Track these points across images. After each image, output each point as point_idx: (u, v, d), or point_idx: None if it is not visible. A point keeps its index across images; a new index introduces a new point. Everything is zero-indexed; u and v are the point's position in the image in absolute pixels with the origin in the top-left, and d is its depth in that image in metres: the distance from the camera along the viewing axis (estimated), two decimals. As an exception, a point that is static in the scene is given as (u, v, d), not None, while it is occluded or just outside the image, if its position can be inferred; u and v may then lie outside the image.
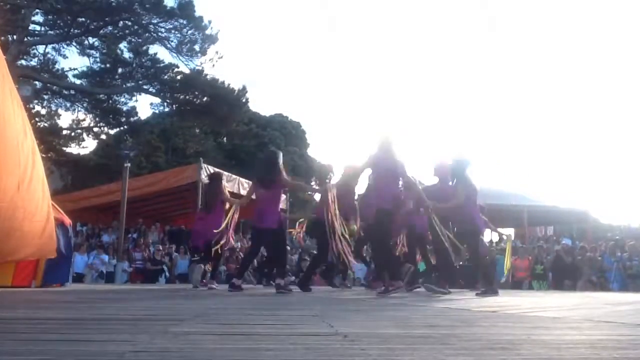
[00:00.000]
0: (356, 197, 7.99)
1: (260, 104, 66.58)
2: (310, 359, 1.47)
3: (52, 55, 20.47)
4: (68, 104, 21.71)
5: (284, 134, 36.18)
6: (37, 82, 19.91)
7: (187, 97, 21.04)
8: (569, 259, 11.61)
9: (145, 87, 21.22)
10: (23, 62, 19.19)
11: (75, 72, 21.01)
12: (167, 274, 13.04)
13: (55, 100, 21.73)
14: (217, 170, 10.08)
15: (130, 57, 20.99)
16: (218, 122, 22.35)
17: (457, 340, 1.97)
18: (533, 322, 3.02)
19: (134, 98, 22.18)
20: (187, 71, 20.83)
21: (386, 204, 5.70)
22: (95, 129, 23.52)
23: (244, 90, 21.85)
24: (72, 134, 23.24)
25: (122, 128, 23.56)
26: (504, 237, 10.00)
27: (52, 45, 19.99)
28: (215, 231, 7.37)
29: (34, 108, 20.76)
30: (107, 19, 18.95)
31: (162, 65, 20.82)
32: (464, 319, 3.00)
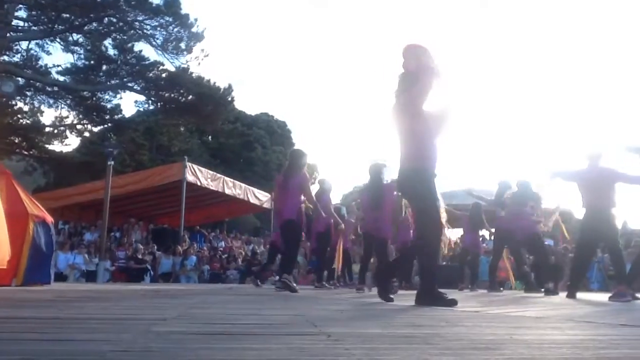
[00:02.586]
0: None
1: (246, 103, 66.41)
2: (293, 358, 1.47)
3: (36, 51, 20.26)
4: (51, 101, 21.47)
5: (269, 133, 36.12)
6: (19, 79, 19.64)
7: (173, 95, 20.93)
8: (552, 259, 11.77)
9: (130, 84, 21.07)
10: (5, 58, 18.94)
11: (59, 68, 20.83)
12: (151, 272, 12.96)
13: (38, 97, 21.47)
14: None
15: (115, 54, 20.82)
16: (203, 120, 22.27)
17: (441, 340, 1.97)
18: (515, 321, 3.04)
19: (118, 95, 22.02)
20: (172, 69, 20.75)
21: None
22: (79, 127, 23.28)
23: (229, 88, 21.79)
24: (55, 131, 22.98)
25: (106, 126, 23.37)
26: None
27: (35, 41, 19.76)
28: None
29: (16, 105, 20.52)
30: (92, 15, 18.78)
31: (147, 62, 20.68)
32: (447, 318, 3.01)
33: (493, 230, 9.58)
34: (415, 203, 4.43)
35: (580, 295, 6.47)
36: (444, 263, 13.14)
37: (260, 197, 17.80)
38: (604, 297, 6.80)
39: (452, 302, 3.98)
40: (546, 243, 14.57)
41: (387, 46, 67.84)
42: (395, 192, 7.79)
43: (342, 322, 2.75)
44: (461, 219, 10.33)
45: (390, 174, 7.97)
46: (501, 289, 9.71)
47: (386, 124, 4.47)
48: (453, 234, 16.16)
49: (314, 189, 8.44)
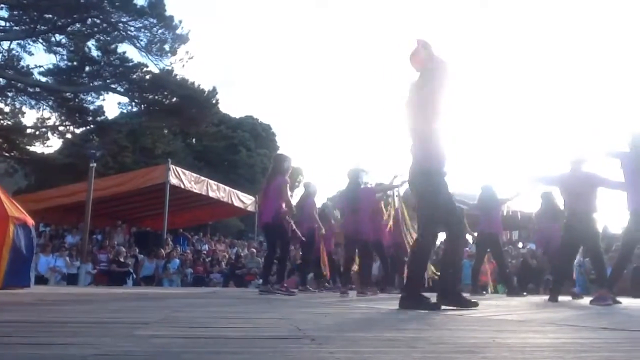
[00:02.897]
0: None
1: (231, 106, 66.31)
2: (277, 362, 1.46)
3: (17, 51, 19.99)
4: (33, 102, 21.20)
5: (254, 136, 36.05)
6: (0, 79, 19.43)
7: (156, 97, 20.79)
8: (533, 263, 11.90)
9: (113, 86, 20.89)
10: (-14, 58, 18.74)
11: (41, 69, 20.55)
12: (134, 276, 12.85)
13: (20, 98, 21.19)
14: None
15: (98, 56, 20.63)
16: (187, 123, 22.15)
17: (425, 344, 1.98)
18: (498, 325, 3.06)
19: (101, 97, 21.80)
20: (156, 71, 20.61)
21: None
22: (61, 128, 23.02)
23: (214, 91, 21.71)
24: (37, 132, 22.70)
25: (88, 127, 23.14)
26: None
27: (17, 41, 19.52)
28: None
29: (-3, 106, 20.30)
30: (75, 16, 18.61)
31: (130, 64, 20.53)
32: (431, 322, 3.02)
33: (475, 234, 9.66)
34: (421, 206, 4.43)
35: (561, 298, 6.54)
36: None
37: (245, 200, 17.75)
38: (585, 300, 6.88)
39: (436, 306, 4.00)
40: (529, 247, 14.74)
41: (375, 49, 68.14)
42: (376, 195, 7.85)
43: (325, 325, 2.74)
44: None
45: (370, 179, 8.05)
46: (484, 292, 9.78)
47: (397, 120, 4.51)
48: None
49: (299, 192, 8.48)
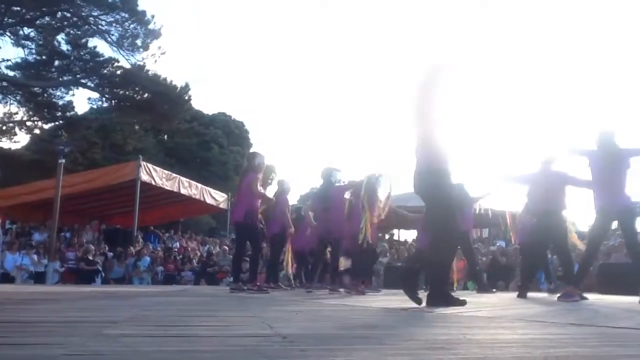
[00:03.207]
0: None
1: (203, 102, 65.77)
2: (248, 360, 1.45)
3: (-16, 45, 19.58)
4: (0, 96, 20.77)
5: (226, 133, 35.82)
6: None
7: (127, 92, 20.55)
8: (503, 260, 12.08)
9: (83, 81, 20.57)
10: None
11: (9, 63, 20.15)
12: (102, 274, 12.65)
13: (-14, 92, 20.76)
14: None
15: (68, 50, 20.29)
16: (159, 119, 21.94)
17: (396, 340, 1.99)
18: (468, 321, 3.09)
19: (70, 92, 21.47)
20: (127, 66, 20.37)
21: None
22: (29, 123, 22.59)
23: (186, 87, 21.54)
24: (4, 127, 22.24)
25: (57, 123, 22.77)
26: None
27: (-17, 34, 19.09)
28: None
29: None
30: (44, 9, 18.26)
31: (101, 59, 20.24)
32: (402, 319, 3.04)
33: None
34: (429, 207, 4.49)
35: (529, 295, 6.63)
36: (399, 264, 13.28)
37: (217, 197, 17.62)
38: (553, 297, 7.00)
39: (463, 302, 4.11)
40: (498, 244, 14.95)
41: (352, 46, 68.20)
42: (347, 194, 7.86)
43: (297, 323, 2.74)
44: (416, 221, 10.45)
45: (342, 177, 8.08)
46: (454, 289, 9.88)
47: (401, 122, 4.60)
48: (408, 236, 16.47)
49: (273, 189, 8.48)
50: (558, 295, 6.18)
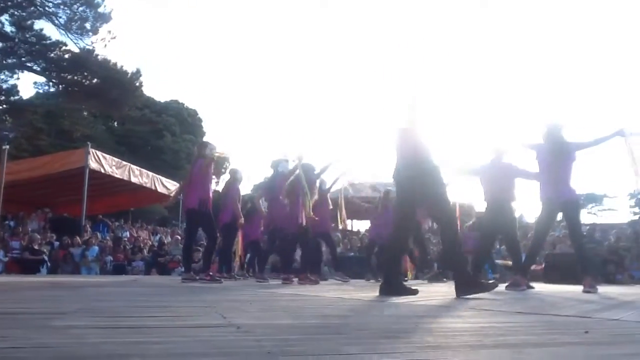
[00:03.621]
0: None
1: (156, 89, 64.48)
2: (202, 351, 1.42)
3: None
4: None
5: (179, 120, 35.28)
6: None
7: (76, 77, 19.91)
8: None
9: (28, 64, 19.83)
10: None
11: (-53, 43, 19.25)
12: (48, 264, 12.27)
13: None
14: None
15: (12, 32, 19.47)
16: (109, 105, 21.36)
17: (351, 330, 1.99)
18: (421, 310, 3.14)
19: (15, 76, 20.65)
20: (76, 50, 19.73)
21: None
22: (-30, 108, 21.68)
23: (137, 73, 21.03)
24: (-58, 111, 21.28)
25: (1, 107, 21.88)
26: None
27: None
28: None
29: None
30: (-15, -12, 17.50)
31: (48, 42, 19.52)
32: (356, 308, 3.06)
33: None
34: (432, 199, 4.52)
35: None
36: (352, 254, 13.40)
37: (169, 186, 17.30)
38: (501, 286, 7.18)
39: (415, 292, 4.29)
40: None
41: (310, 34, 67.94)
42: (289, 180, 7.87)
43: (251, 313, 2.72)
44: (368, 211, 10.54)
45: (290, 166, 8.13)
46: (406, 278, 10.02)
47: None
48: (360, 226, 16.62)
49: (225, 179, 8.47)
50: (506, 284, 6.35)
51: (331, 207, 9.19)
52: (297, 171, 7.55)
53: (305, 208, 7.36)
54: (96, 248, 13.21)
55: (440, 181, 4.45)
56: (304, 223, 7.37)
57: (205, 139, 35.15)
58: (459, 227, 5.45)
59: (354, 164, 8.50)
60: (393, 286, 4.24)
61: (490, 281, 4.48)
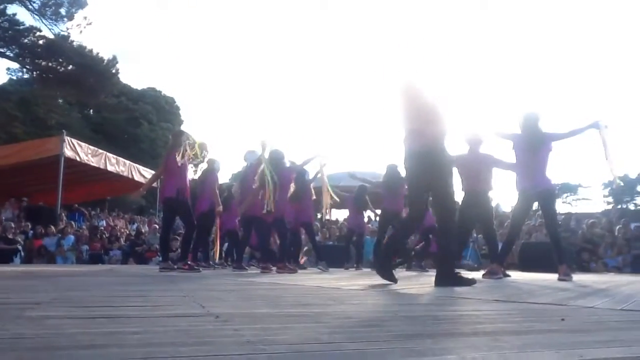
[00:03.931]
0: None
1: (132, 77, 63.74)
2: (181, 341, 1.41)
3: None
4: None
5: (156, 108, 34.90)
6: None
7: (50, 64, 19.55)
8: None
9: (1, 50, 19.40)
10: None
11: None
12: (22, 253, 12.10)
13: None
14: None
15: (-17, 17, 19.05)
16: (84, 93, 21.03)
17: (330, 319, 1.99)
18: (399, 299, 3.16)
19: (-13, 62, 20.22)
20: (51, 36, 19.38)
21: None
22: (-60, 94, 21.18)
23: (114, 60, 20.72)
24: None
25: (-28, 94, 21.45)
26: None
27: None
28: None
29: None
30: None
31: (22, 27, 19.13)
32: (335, 297, 3.06)
33: (378, 211, 9.95)
34: (435, 184, 4.53)
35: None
36: (331, 243, 13.44)
37: (146, 174, 17.09)
38: (477, 274, 7.27)
39: (472, 282, 4.25)
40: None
41: (285, 22, 67.51)
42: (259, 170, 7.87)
43: (230, 302, 2.71)
44: (347, 201, 10.58)
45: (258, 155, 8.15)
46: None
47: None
48: (339, 215, 16.66)
49: (203, 167, 8.49)
50: (483, 272, 6.42)
51: (314, 197, 9.20)
52: (262, 160, 7.60)
53: (267, 195, 7.35)
54: (72, 237, 13.06)
55: (447, 175, 4.49)
56: (272, 211, 7.36)
57: (183, 127, 34.94)
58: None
59: (333, 154, 8.60)
60: (450, 276, 4.25)
61: (470, 277, 4.53)
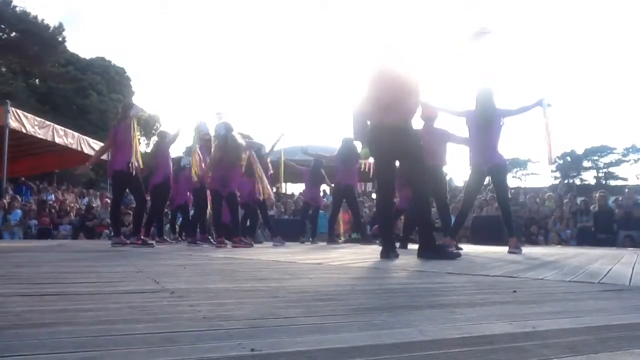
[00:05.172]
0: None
1: (80, 45, 61.61)
2: (135, 318, 1.38)
3: None
4: None
5: (106, 79, 33.85)
6: None
7: (-8, 31, 18.67)
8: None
9: (-63, 15, 18.41)
10: None
11: None
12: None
13: None
14: None
15: None
16: (29, 61, 20.25)
17: (287, 293, 1.99)
18: (355, 272, 3.19)
19: None
20: (-8, 1, 18.43)
21: None
22: None
23: (60, 27, 19.99)
24: None
25: None
26: None
27: None
28: None
29: None
30: None
31: (-41, -9, 18.17)
32: (291, 271, 3.06)
33: (332, 185, 10.02)
34: (412, 159, 4.67)
35: (411, 246, 6.96)
36: (287, 217, 13.44)
37: (96, 147, 16.60)
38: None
39: (456, 255, 4.42)
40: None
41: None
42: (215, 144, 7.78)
43: (185, 277, 2.67)
44: (303, 174, 10.58)
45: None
46: (339, 240, 10.17)
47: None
48: (295, 189, 16.69)
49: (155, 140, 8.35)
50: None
51: (272, 171, 9.15)
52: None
53: (194, 168, 7.54)
54: (19, 212, 12.66)
55: (421, 149, 4.68)
56: (206, 185, 7.51)
57: (134, 98, 34.09)
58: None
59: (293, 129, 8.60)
60: (432, 249, 4.38)
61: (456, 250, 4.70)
